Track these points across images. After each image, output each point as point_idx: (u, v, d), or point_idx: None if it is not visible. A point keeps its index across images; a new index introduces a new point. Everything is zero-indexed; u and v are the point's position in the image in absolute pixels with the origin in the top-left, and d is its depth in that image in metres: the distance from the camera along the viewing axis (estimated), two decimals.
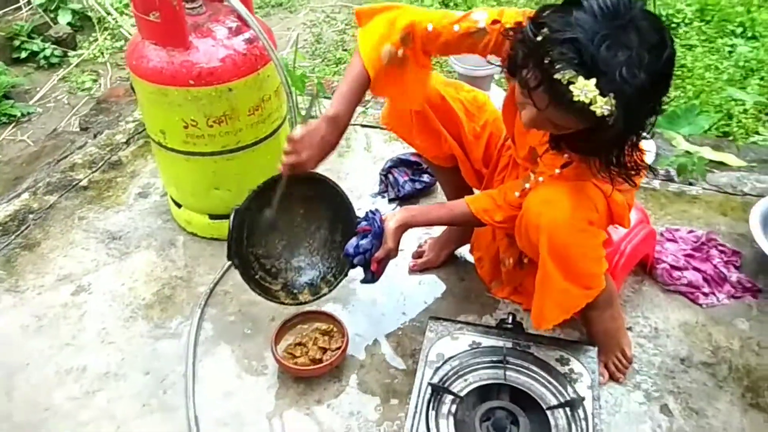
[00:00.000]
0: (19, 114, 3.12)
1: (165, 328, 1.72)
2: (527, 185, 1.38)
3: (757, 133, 2.89)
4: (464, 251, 1.91)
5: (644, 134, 1.19)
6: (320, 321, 1.64)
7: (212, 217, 1.93)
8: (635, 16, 1.04)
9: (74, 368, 1.62)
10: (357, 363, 1.62)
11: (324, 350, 1.57)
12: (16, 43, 3.60)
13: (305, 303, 1.60)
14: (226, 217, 1.90)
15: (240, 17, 1.69)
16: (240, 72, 1.69)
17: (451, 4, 4.14)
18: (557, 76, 1.03)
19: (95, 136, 2.44)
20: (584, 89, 1.02)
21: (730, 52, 3.61)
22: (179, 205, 1.97)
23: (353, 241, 1.49)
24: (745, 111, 3.04)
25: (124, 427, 1.49)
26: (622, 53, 1.02)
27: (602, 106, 1.03)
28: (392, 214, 1.49)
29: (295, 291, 1.62)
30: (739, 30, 3.73)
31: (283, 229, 1.63)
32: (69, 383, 1.59)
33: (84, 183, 2.21)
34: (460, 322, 1.55)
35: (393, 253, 1.49)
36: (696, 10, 3.89)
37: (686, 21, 3.86)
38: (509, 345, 1.48)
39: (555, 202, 1.29)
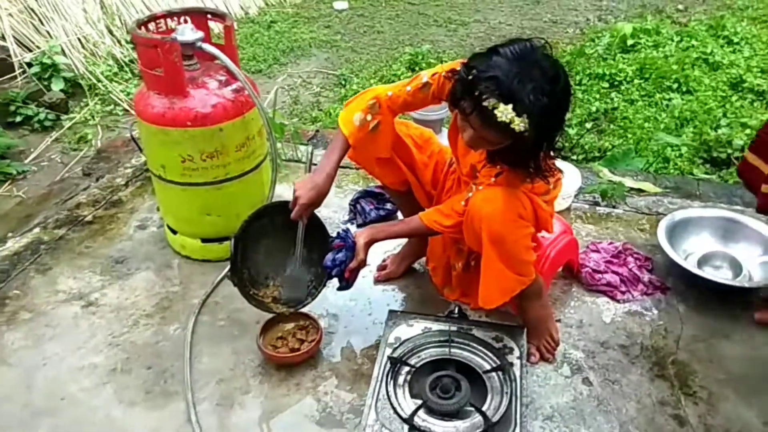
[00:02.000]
0: (15, 172, 3.41)
1: (164, 333, 2.00)
2: (470, 194, 1.72)
3: (692, 174, 3.26)
4: (421, 265, 2.23)
5: (554, 144, 1.56)
6: (298, 319, 1.93)
7: (204, 240, 2.24)
8: (538, 58, 1.44)
9: (85, 366, 1.88)
10: (330, 354, 1.91)
11: (301, 341, 1.86)
12: (12, 108, 3.91)
13: (294, 310, 1.90)
14: (217, 240, 2.24)
15: (229, 72, 2.06)
16: (229, 115, 2.04)
17: (417, 68, 4.61)
18: (485, 104, 1.41)
19: (97, 180, 2.75)
20: (505, 112, 1.39)
21: (667, 105, 4.05)
22: (175, 232, 2.27)
23: (330, 255, 1.81)
24: (681, 155, 3.44)
25: (130, 410, 1.75)
26: (529, 85, 1.40)
27: (519, 123, 1.40)
28: (360, 232, 1.83)
29: (283, 302, 1.92)
30: (675, 86, 4.19)
31: (270, 252, 1.94)
32: (81, 378, 1.85)
33: (89, 218, 2.52)
34: (415, 313, 1.86)
35: (363, 263, 1.82)
36: (636, 69, 4.37)
37: (628, 79, 4.32)
38: (454, 329, 1.79)
39: (492, 199, 1.64)
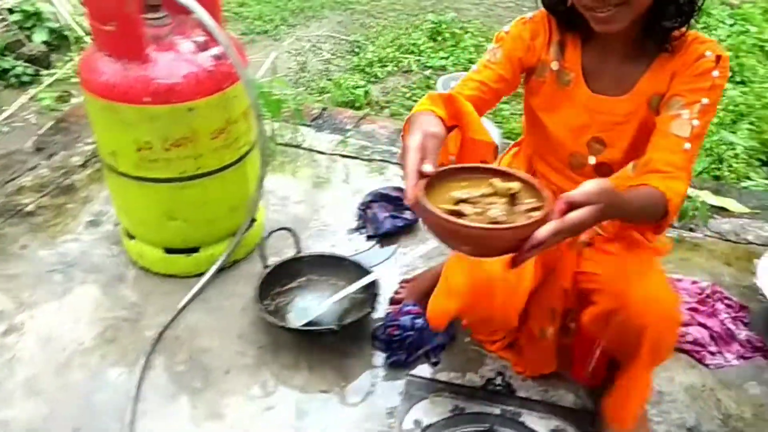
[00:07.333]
0: None
1: (103, 378, 1.50)
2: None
3: (748, 178, 2.81)
4: None
5: None
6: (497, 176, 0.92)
7: (168, 251, 1.73)
8: None
9: None
10: None
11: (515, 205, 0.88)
12: None
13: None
14: (184, 251, 1.74)
15: (206, 30, 1.52)
16: (203, 90, 1.52)
17: (439, 38, 4.12)
18: None
19: (50, 157, 2.24)
20: None
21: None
22: (132, 237, 1.77)
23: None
24: (736, 156, 2.97)
25: None
26: None
27: None
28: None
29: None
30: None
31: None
32: None
33: (30, 208, 2.01)
34: (441, 382, 1.36)
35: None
36: None
37: None
38: (497, 412, 1.29)
39: (662, 300, 1.19)
